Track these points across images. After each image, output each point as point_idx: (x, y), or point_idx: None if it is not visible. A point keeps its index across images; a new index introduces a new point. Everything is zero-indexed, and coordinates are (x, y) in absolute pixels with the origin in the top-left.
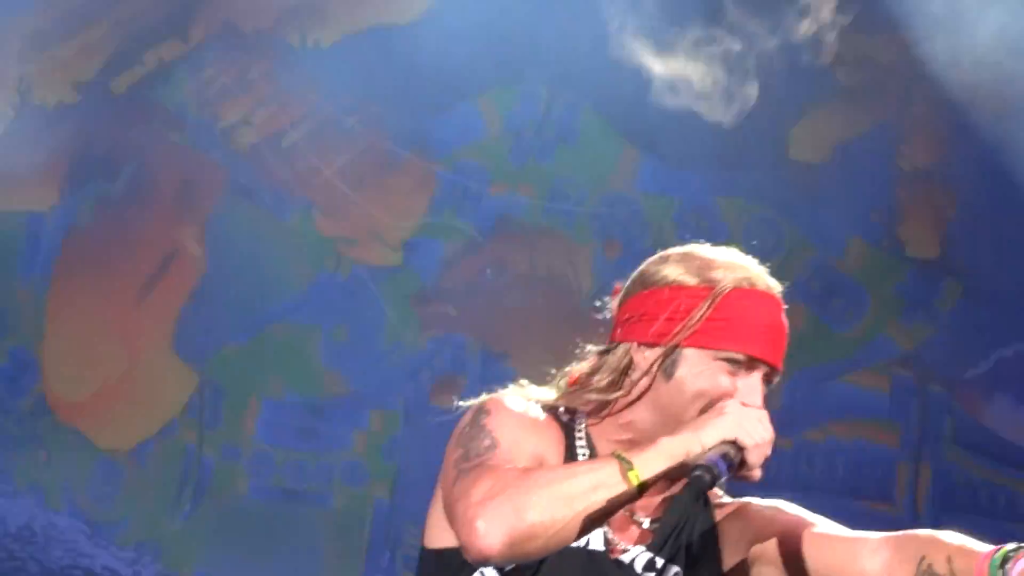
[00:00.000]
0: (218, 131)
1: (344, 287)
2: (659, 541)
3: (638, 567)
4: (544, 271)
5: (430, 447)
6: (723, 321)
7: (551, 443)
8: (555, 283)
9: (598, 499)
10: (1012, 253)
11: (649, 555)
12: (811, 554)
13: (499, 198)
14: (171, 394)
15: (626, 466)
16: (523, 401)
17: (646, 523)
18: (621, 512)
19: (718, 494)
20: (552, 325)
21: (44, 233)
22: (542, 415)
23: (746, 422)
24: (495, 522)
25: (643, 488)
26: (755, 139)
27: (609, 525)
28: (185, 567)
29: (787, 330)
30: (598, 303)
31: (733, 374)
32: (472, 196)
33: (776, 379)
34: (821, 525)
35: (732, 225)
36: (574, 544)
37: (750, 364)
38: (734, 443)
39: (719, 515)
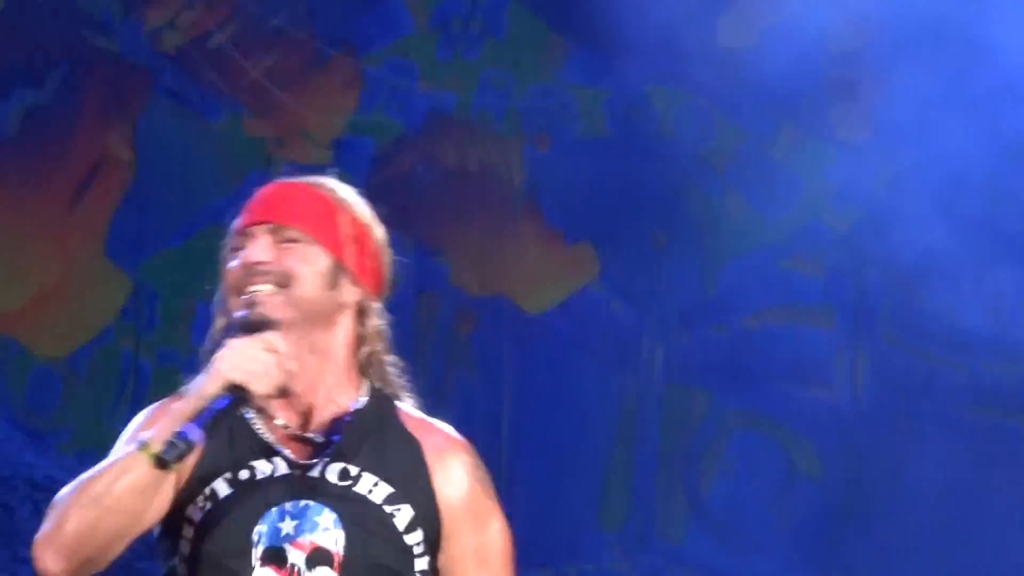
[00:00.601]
0: (144, 35)
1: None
2: (345, 450)
3: (333, 478)
4: (475, 166)
5: None
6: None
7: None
8: (487, 178)
9: (123, 487)
10: None
11: (339, 465)
12: (454, 558)
13: (428, 94)
14: (106, 300)
15: (142, 446)
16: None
17: (325, 439)
18: (298, 431)
19: (403, 399)
20: (485, 220)
21: None
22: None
23: (238, 363)
24: (43, 547)
25: (163, 463)
26: (685, 27)
27: (284, 446)
28: None
29: (298, 191)
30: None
31: (237, 250)
32: (401, 93)
33: (291, 231)
34: (482, 557)
35: (663, 115)
36: (252, 474)
37: (247, 234)
38: (240, 387)
39: (416, 431)
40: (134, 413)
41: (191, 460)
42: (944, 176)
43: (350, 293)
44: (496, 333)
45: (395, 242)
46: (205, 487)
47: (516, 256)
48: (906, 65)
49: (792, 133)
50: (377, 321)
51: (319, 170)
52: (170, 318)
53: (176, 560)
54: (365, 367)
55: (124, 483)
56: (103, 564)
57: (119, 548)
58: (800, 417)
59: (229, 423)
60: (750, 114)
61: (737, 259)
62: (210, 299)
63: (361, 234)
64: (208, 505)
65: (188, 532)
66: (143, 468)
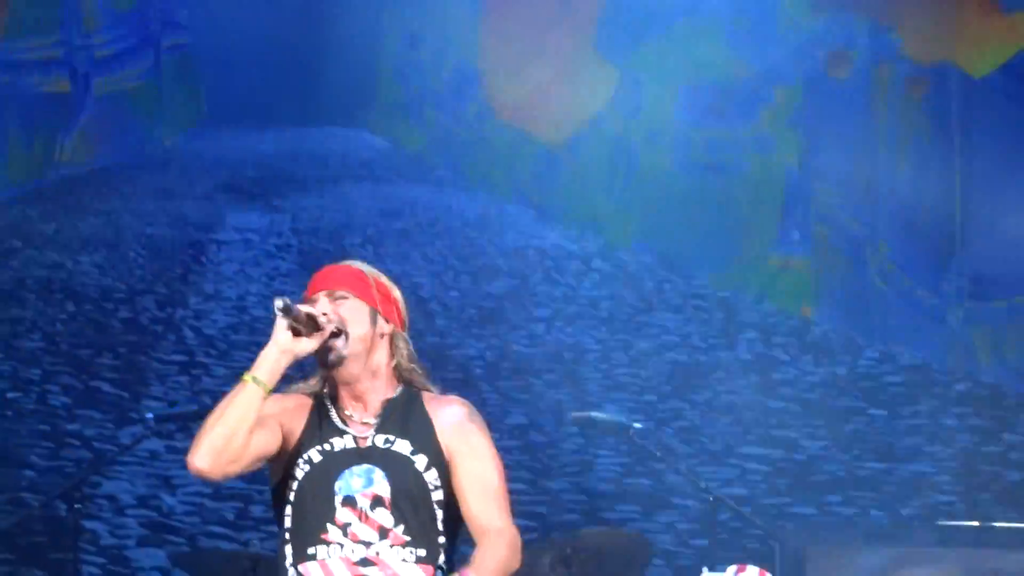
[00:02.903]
0: None
1: None
2: (384, 426)
3: (379, 444)
4: None
5: (831, 116)
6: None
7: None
8: None
9: (235, 403)
10: None
11: (383, 436)
12: (459, 483)
13: None
14: (597, 90)
15: (246, 376)
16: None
17: (374, 420)
18: (357, 417)
19: (430, 390)
20: None
21: None
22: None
23: (305, 307)
24: (190, 451)
25: (257, 382)
26: None
27: (349, 427)
28: (623, 238)
29: (341, 269)
30: None
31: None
32: None
33: (339, 292)
34: (476, 474)
35: None
36: (332, 447)
37: (313, 299)
38: (308, 314)
39: (430, 406)
40: (627, 188)
41: (296, 433)
42: None
43: (384, 328)
44: (945, 96)
45: (847, 23)
46: (304, 454)
47: (961, 26)
48: None
49: None
50: (403, 344)
51: None
52: (654, 100)
53: (286, 505)
54: (399, 374)
55: (233, 399)
56: (236, 467)
57: (244, 455)
58: None
59: (318, 414)
60: None
61: None
62: (689, 82)
63: (385, 291)
64: (307, 467)
65: (293, 485)
66: (243, 388)
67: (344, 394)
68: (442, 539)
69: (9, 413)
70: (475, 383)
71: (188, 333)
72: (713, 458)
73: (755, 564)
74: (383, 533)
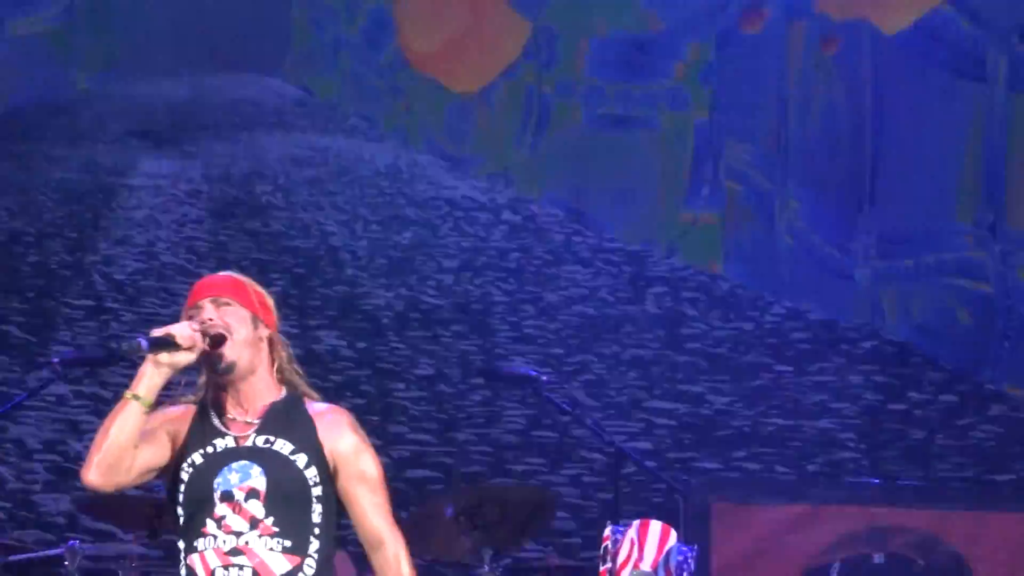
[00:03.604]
0: None
1: None
2: (265, 427)
3: (259, 444)
4: None
5: (742, 71)
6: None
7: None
8: None
9: (118, 419)
10: None
11: (263, 436)
12: (344, 488)
13: None
14: (510, 41)
15: (127, 394)
16: None
17: (256, 422)
18: (239, 419)
19: (315, 397)
20: None
21: None
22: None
23: (174, 328)
24: (84, 465)
25: (137, 398)
26: None
27: (230, 429)
28: (534, 191)
29: (222, 278)
30: None
31: (192, 317)
32: None
33: (222, 299)
34: (361, 479)
35: None
36: (214, 448)
37: (198, 306)
38: (169, 336)
39: (312, 410)
40: (538, 141)
41: (180, 441)
42: None
43: (263, 332)
44: (857, 50)
45: None
46: (188, 458)
47: None
48: None
49: None
50: (282, 348)
51: None
52: (567, 52)
53: (176, 507)
54: (281, 376)
55: (116, 416)
56: (127, 479)
57: (133, 468)
58: None
59: (201, 420)
60: None
61: None
62: (602, 35)
63: (260, 298)
64: (190, 469)
65: (180, 487)
66: (124, 405)
67: (228, 399)
68: (317, 531)
69: None
70: (383, 333)
71: (97, 278)
72: (619, 412)
73: (659, 518)
74: (253, 523)
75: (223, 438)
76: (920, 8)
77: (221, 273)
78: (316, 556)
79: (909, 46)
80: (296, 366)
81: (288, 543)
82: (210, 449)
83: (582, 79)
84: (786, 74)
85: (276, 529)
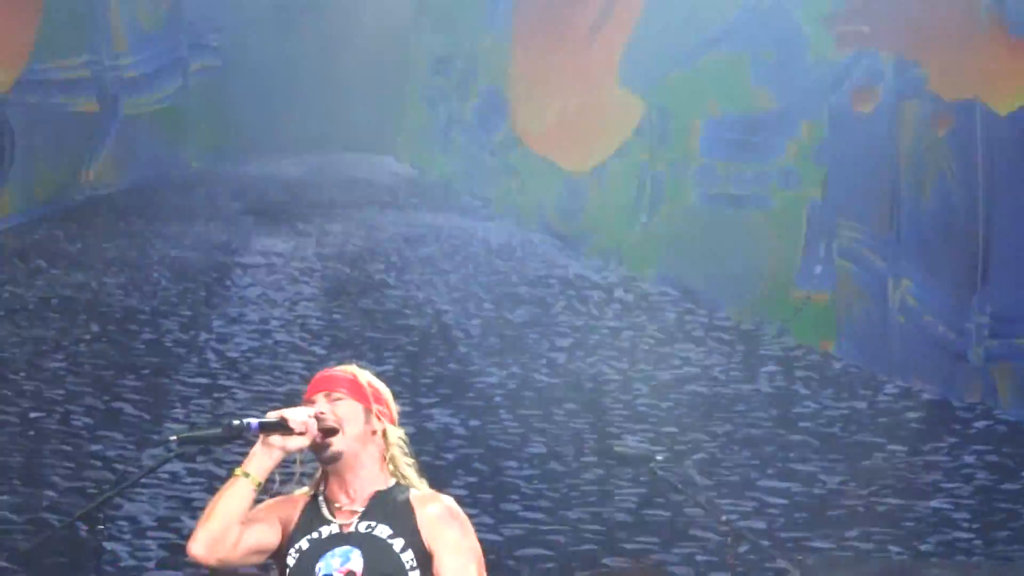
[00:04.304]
0: None
1: (766, 14)
2: (368, 514)
3: (361, 530)
4: None
5: (856, 150)
6: None
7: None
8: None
9: (227, 495)
10: None
11: (365, 522)
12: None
13: None
14: (622, 120)
15: (237, 471)
16: None
17: (360, 509)
18: (346, 507)
19: (416, 485)
20: (956, 34)
21: None
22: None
23: (288, 412)
24: (190, 538)
25: (247, 476)
26: None
27: (336, 517)
28: (646, 269)
29: (337, 372)
30: None
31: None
32: None
33: (335, 393)
34: (454, 570)
35: None
36: (319, 535)
37: (313, 400)
38: (282, 420)
39: (413, 497)
40: (650, 219)
41: (291, 526)
42: None
43: (376, 425)
44: (970, 129)
45: (873, 58)
46: (296, 543)
47: (987, 64)
48: None
49: None
50: (394, 439)
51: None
52: (679, 132)
53: None
54: (392, 468)
55: (225, 492)
56: (233, 556)
57: (239, 545)
58: None
59: (311, 508)
60: None
61: None
62: (715, 115)
63: (376, 392)
64: (296, 554)
65: (286, 571)
66: (233, 481)
67: (335, 486)
68: None
69: (31, 433)
70: (495, 411)
71: (211, 356)
72: (732, 491)
73: None
74: None
75: (329, 525)
76: None
77: (340, 366)
78: None
79: (1022, 127)
80: (408, 457)
81: None
82: (315, 535)
83: (695, 158)
84: (898, 152)
85: None
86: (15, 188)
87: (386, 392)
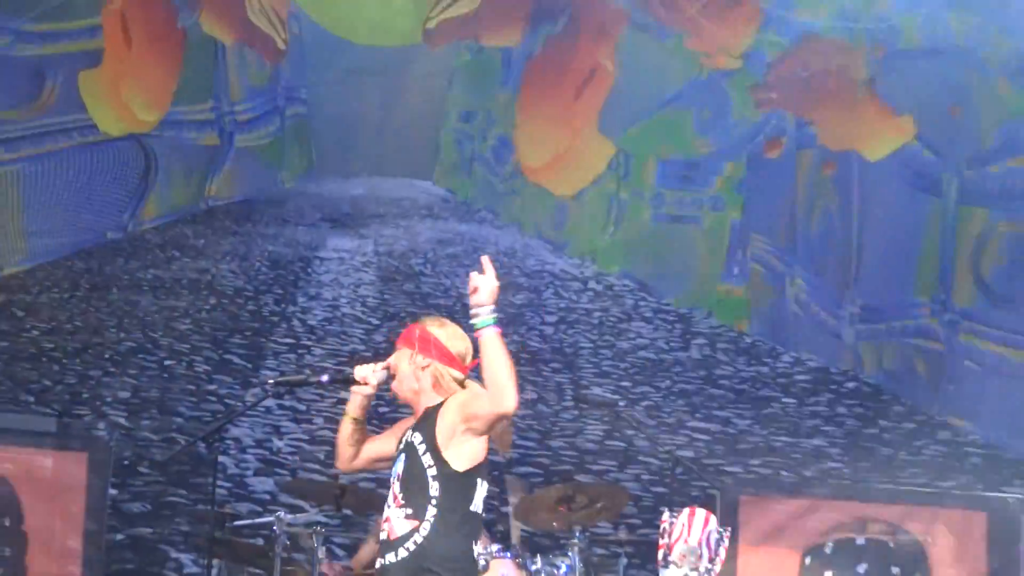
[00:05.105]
0: None
1: (705, 83)
2: (415, 427)
3: (408, 439)
4: (833, 67)
5: (766, 185)
6: None
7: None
8: (841, 75)
9: (339, 428)
10: None
11: (413, 433)
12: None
13: (803, 21)
14: (598, 159)
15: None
16: None
17: (414, 423)
18: (412, 424)
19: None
20: (841, 100)
21: (513, 59)
22: None
23: (358, 368)
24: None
25: (345, 414)
26: None
27: (408, 433)
28: (613, 267)
29: (402, 330)
30: None
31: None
32: (785, 21)
33: (397, 345)
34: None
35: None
36: (401, 446)
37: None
38: (344, 374)
39: (442, 407)
40: (616, 231)
41: (397, 437)
42: None
43: (422, 361)
44: (848, 172)
45: (780, 117)
46: (395, 449)
47: (862, 123)
48: None
49: None
50: (441, 371)
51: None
52: (639, 169)
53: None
54: (442, 389)
55: (339, 426)
56: (359, 464)
57: (358, 458)
58: None
59: (404, 430)
60: None
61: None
62: (665, 157)
63: (424, 335)
64: (392, 459)
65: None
66: (343, 418)
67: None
68: (434, 502)
69: (166, 376)
70: None
71: (296, 323)
72: (670, 429)
73: (702, 508)
74: (393, 498)
75: (403, 439)
76: (895, 143)
77: (421, 320)
78: (431, 521)
79: (886, 170)
80: (452, 381)
81: (409, 511)
82: (400, 446)
83: (649, 188)
84: (796, 188)
85: (403, 501)
86: (158, 198)
87: (434, 335)
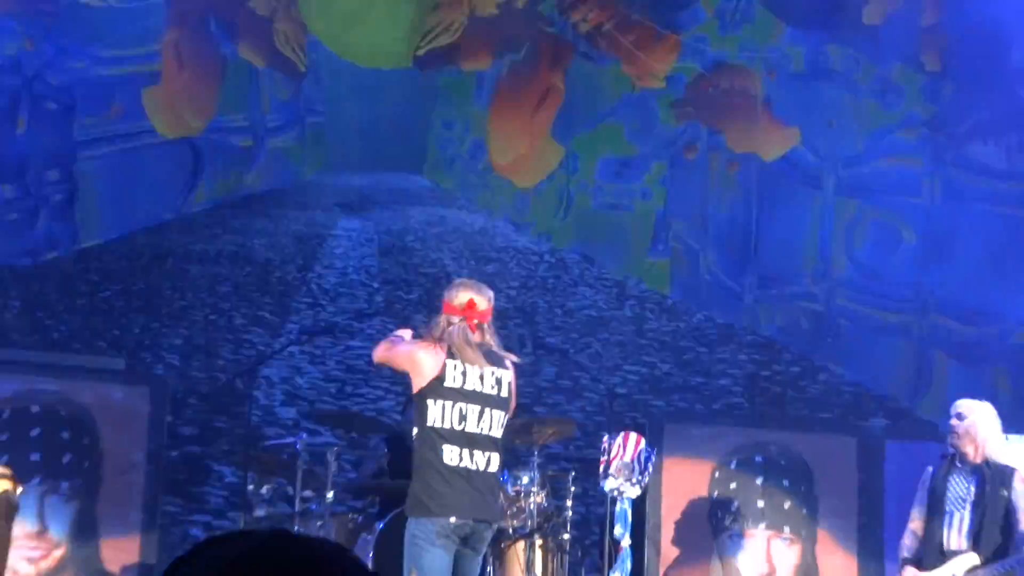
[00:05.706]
0: (569, 25)
1: (636, 100)
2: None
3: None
4: (739, 87)
5: (684, 180)
6: None
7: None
8: (743, 93)
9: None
10: None
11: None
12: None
13: (715, 51)
14: (551, 159)
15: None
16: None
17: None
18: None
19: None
20: (740, 112)
21: (485, 80)
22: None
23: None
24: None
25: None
26: None
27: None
28: (565, 244)
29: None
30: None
31: None
32: (699, 51)
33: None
34: None
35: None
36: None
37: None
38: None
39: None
40: (566, 216)
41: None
42: None
43: (448, 321)
44: (748, 170)
45: (695, 129)
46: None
47: (757, 131)
48: None
49: None
50: (446, 321)
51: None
52: (584, 166)
53: None
54: (448, 339)
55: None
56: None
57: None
58: None
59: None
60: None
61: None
62: (604, 156)
63: (444, 301)
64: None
65: None
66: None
67: None
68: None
69: (210, 328)
70: None
71: (314, 287)
72: (608, 371)
73: (634, 432)
74: None
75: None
76: (785, 147)
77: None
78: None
79: (779, 168)
80: (455, 332)
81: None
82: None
83: (592, 181)
84: (708, 182)
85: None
86: (203, 188)
87: (448, 296)
